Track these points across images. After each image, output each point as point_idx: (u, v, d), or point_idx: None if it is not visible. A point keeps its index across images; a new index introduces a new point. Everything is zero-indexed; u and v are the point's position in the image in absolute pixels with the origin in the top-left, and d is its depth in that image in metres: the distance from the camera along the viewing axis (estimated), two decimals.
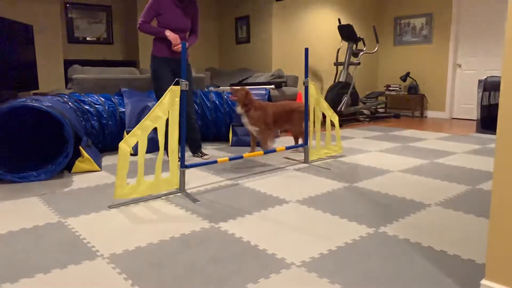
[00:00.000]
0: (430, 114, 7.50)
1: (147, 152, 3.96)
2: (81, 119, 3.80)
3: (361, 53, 6.54)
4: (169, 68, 3.62)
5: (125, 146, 2.48)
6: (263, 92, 4.68)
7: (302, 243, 1.99)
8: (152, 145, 4.04)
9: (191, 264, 1.78)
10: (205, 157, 3.84)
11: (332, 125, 3.93)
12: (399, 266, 1.75)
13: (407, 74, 7.45)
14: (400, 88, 7.64)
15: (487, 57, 6.77)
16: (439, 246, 1.94)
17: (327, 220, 2.29)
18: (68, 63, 6.37)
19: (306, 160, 3.70)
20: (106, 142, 4.07)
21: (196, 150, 3.87)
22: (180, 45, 3.44)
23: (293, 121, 4.04)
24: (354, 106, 6.46)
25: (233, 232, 2.12)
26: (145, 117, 2.56)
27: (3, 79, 4.73)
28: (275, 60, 6.68)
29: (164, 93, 3.48)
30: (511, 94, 1.33)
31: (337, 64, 6.78)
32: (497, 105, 5.65)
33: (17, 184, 3.01)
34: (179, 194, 2.78)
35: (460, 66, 7.10)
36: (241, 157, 3.23)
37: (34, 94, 5.64)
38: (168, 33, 3.44)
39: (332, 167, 3.55)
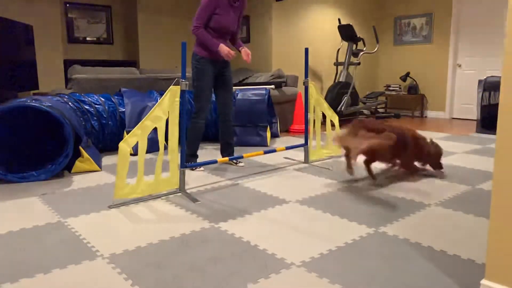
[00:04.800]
0: (430, 114, 7.50)
1: (147, 152, 3.96)
2: (81, 119, 3.80)
3: (361, 53, 6.54)
4: (213, 69, 3.35)
5: (125, 146, 2.48)
6: (263, 92, 4.68)
7: (302, 243, 1.99)
8: (152, 145, 4.04)
9: (191, 264, 1.78)
10: (239, 164, 3.59)
11: (332, 125, 3.93)
12: (399, 266, 1.75)
13: (407, 74, 7.45)
14: (400, 88, 7.64)
15: (487, 57, 6.76)
16: (439, 246, 1.94)
17: (327, 220, 2.29)
18: (68, 63, 6.38)
19: (306, 160, 3.70)
20: (106, 142, 4.07)
21: (231, 154, 3.59)
22: (231, 55, 3.19)
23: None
24: (354, 106, 6.46)
25: (233, 232, 2.12)
26: (145, 117, 2.55)
27: (3, 79, 4.73)
28: (275, 60, 6.68)
29: (205, 94, 3.30)
30: (511, 94, 1.33)
31: (337, 64, 6.78)
32: (497, 105, 5.65)
33: (17, 184, 3.01)
34: (179, 194, 2.78)
35: (460, 66, 7.10)
36: (241, 157, 3.23)
37: (34, 94, 5.65)
38: (221, 49, 3.17)
39: (332, 167, 3.55)
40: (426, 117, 7.46)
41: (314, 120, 3.72)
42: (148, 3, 6.88)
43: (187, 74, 5.14)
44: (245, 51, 3.33)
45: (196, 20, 3.21)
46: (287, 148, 3.59)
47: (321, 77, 7.27)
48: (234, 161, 3.62)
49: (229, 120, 3.51)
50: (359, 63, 6.53)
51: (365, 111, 7.34)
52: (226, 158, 3.24)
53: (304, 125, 4.85)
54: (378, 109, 7.80)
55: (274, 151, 3.46)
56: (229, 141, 3.56)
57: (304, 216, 2.35)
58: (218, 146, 4.55)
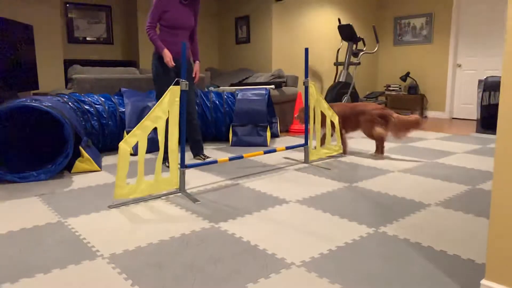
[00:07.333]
0: (430, 114, 7.50)
1: (147, 152, 3.96)
2: (81, 119, 3.80)
3: (361, 53, 6.54)
4: (174, 68, 3.52)
5: (125, 146, 2.48)
6: (263, 92, 4.68)
7: (302, 243, 1.99)
8: (152, 145, 4.04)
9: (191, 264, 1.78)
10: (207, 159, 3.76)
11: (332, 125, 3.93)
12: (399, 266, 1.75)
13: (407, 74, 7.45)
14: (400, 88, 7.64)
15: (487, 57, 6.76)
16: (439, 246, 1.94)
17: (327, 220, 2.29)
18: (68, 63, 6.37)
19: (306, 160, 3.70)
20: (106, 142, 4.07)
21: (199, 152, 3.79)
22: (172, 64, 3.41)
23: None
24: None
25: (233, 232, 2.12)
26: (145, 117, 2.55)
27: (3, 79, 4.73)
28: (275, 60, 6.68)
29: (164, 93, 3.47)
30: (511, 94, 1.33)
31: (337, 64, 6.78)
32: (497, 105, 5.65)
33: (17, 184, 3.01)
34: (179, 194, 2.78)
35: (460, 66, 7.10)
36: (241, 157, 3.23)
37: (34, 94, 5.64)
38: (165, 53, 3.38)
39: (332, 167, 3.55)
40: (426, 117, 7.46)
41: (314, 120, 3.72)
42: (148, 3, 6.88)
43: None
44: (195, 67, 3.62)
45: (148, 20, 3.42)
46: (287, 148, 3.59)
47: (321, 77, 7.27)
48: (202, 156, 3.81)
49: (194, 118, 3.69)
50: (359, 63, 6.53)
51: None
52: (226, 158, 3.24)
53: (304, 125, 4.85)
54: None
55: (274, 151, 3.46)
56: (197, 137, 3.76)
57: (304, 216, 2.35)
58: (218, 146, 4.55)
